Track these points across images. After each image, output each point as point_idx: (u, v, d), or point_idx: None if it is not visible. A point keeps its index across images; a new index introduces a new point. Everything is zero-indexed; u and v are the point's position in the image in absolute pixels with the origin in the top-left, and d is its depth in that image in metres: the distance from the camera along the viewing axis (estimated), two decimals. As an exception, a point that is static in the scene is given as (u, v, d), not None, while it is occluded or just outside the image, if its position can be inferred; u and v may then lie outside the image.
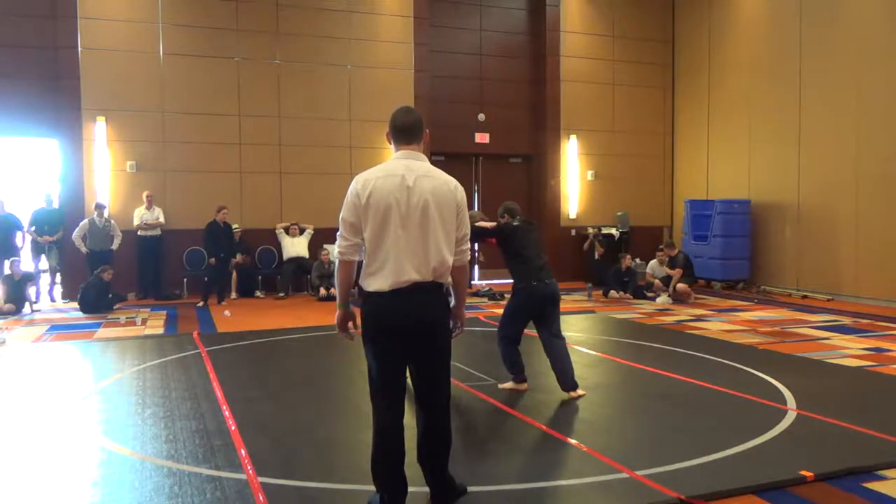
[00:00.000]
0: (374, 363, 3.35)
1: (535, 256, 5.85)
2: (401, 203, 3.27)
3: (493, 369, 6.41)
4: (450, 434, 3.50)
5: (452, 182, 3.43)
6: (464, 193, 3.47)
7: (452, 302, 3.55)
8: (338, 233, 3.39)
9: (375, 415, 3.39)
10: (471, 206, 7.16)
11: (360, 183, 3.33)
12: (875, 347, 7.87)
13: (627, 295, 12.39)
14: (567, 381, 5.76)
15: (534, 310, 5.85)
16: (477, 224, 6.11)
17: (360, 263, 3.41)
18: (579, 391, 5.77)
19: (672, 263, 12.13)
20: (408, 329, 3.29)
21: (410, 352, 3.35)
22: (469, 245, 3.49)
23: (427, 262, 3.28)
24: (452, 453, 3.56)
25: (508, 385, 5.97)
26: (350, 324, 3.52)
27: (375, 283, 3.28)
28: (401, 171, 3.34)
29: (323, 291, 12.08)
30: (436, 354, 3.41)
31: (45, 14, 11.86)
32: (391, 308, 3.27)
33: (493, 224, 6.11)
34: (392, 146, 3.46)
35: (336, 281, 3.41)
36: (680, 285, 11.85)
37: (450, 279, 3.44)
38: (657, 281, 12.22)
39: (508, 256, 5.94)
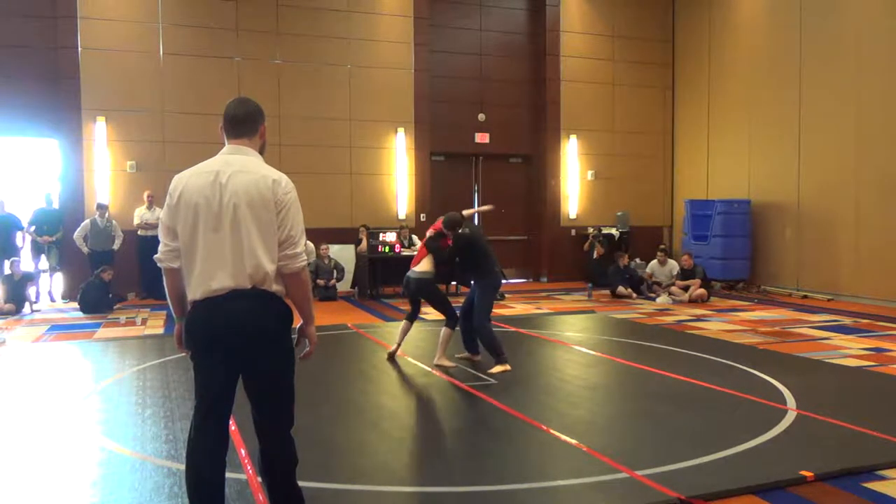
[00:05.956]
0: (194, 378, 2.97)
1: (492, 252, 6.70)
2: (211, 202, 2.89)
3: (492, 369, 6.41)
4: (290, 460, 3.04)
5: (272, 176, 2.94)
6: (289, 189, 2.95)
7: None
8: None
9: (189, 435, 2.98)
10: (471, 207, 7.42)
11: (174, 181, 3.00)
12: (875, 347, 7.87)
13: (633, 292, 12.37)
14: (472, 345, 6.73)
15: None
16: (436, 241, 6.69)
17: None
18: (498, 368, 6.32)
19: (689, 276, 12.11)
20: (225, 339, 2.87)
21: (233, 367, 2.93)
22: (303, 249, 2.99)
23: (242, 269, 2.87)
24: (453, 453, 3.55)
25: (498, 369, 6.34)
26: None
27: (190, 291, 2.94)
28: (217, 167, 2.97)
29: (321, 281, 11.79)
30: (265, 370, 2.94)
31: (45, 14, 11.86)
32: (204, 318, 2.89)
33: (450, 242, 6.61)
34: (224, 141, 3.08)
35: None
36: (698, 291, 11.86)
37: (280, 288, 2.97)
38: (657, 281, 12.24)
39: (473, 261, 6.58)
